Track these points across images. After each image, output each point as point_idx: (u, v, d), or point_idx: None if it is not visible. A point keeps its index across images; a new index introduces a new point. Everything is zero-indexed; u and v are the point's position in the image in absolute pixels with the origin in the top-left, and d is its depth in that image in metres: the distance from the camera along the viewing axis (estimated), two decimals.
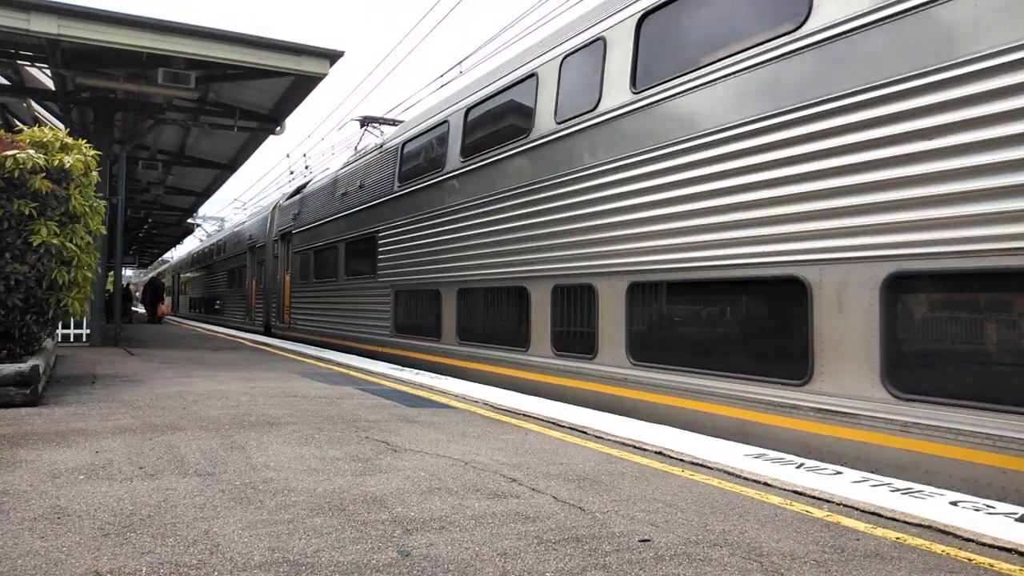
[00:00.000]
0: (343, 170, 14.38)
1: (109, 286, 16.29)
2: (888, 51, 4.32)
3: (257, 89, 12.23)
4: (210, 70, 11.09)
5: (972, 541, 2.81)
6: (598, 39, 6.90)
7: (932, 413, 3.98)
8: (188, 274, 37.65)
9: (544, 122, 7.61)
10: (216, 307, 28.12)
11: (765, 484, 3.69)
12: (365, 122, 16.53)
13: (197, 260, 34.02)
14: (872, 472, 4.09)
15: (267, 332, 18.91)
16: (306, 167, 27.33)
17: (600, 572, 2.42)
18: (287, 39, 14.03)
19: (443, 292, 9.62)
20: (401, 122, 14.62)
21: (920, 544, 2.78)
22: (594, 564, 2.49)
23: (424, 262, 10.21)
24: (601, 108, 6.73)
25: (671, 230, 5.82)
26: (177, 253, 48.22)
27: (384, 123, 16.21)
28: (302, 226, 16.41)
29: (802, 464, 4.17)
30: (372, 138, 15.62)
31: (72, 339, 12.74)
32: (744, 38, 5.34)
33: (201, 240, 38.13)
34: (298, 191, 17.98)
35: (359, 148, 15.11)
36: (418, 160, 10.91)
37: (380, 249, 11.81)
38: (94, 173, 7.03)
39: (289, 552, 2.52)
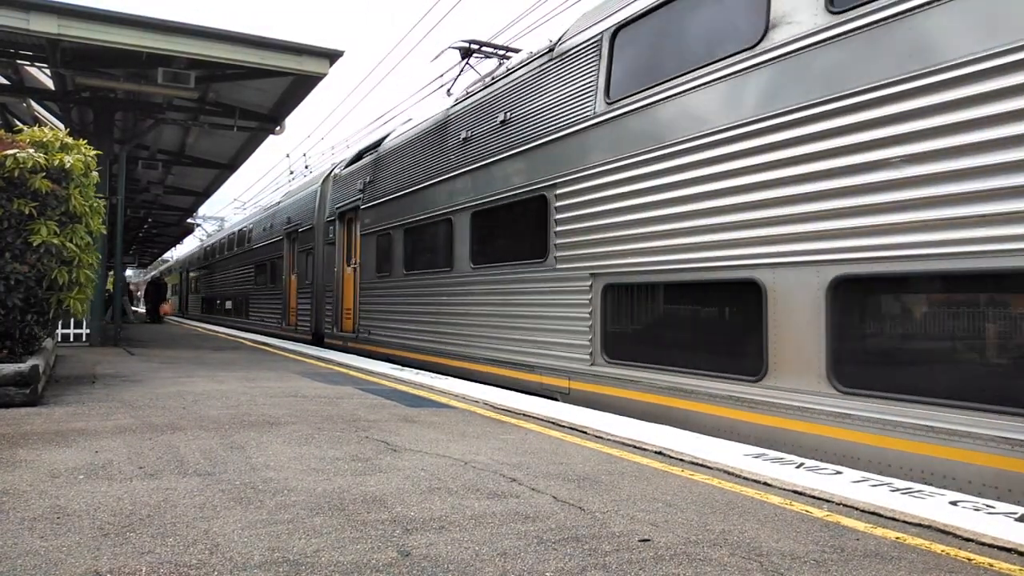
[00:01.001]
0: (456, 107, 9.89)
1: (109, 286, 16.31)
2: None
3: (257, 89, 12.23)
4: (210, 70, 11.09)
5: (972, 541, 2.82)
6: None
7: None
8: (200, 270, 32.05)
9: None
10: (238, 309, 23.18)
11: (765, 484, 3.69)
12: (470, 51, 11.18)
13: (211, 253, 28.84)
14: None
15: (317, 341, 14.77)
16: (306, 167, 27.27)
17: (600, 572, 2.42)
18: (288, 39, 13.98)
19: (769, 286, 5.09)
20: (518, 50, 10.35)
21: (920, 544, 2.78)
22: (594, 564, 2.49)
23: (693, 229, 5.75)
24: None
25: None
26: (179, 252, 47.16)
27: (497, 51, 11.25)
28: (378, 198, 12.22)
29: (802, 464, 4.17)
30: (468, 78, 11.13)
31: (72, 339, 12.75)
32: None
33: (201, 240, 36.25)
34: (364, 153, 13.71)
35: (452, 91, 11.11)
36: (664, 47, 6.36)
37: (558, 216, 7.41)
38: (94, 173, 7.04)
39: (289, 552, 2.52)
